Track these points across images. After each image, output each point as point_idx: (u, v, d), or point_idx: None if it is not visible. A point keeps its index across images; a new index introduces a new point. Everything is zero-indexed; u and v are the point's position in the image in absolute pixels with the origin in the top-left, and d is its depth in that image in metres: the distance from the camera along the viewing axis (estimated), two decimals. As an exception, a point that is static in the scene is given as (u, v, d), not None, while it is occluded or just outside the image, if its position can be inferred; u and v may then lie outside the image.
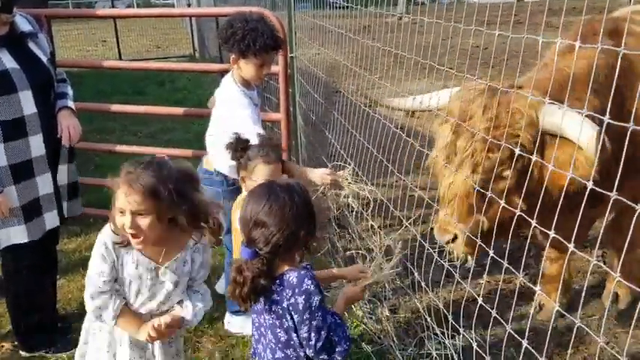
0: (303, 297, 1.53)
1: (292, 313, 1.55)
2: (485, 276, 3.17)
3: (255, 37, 2.37)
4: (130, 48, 14.16)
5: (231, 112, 2.55)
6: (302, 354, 1.62)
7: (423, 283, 2.21)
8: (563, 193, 1.70)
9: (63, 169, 2.71)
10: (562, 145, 1.91)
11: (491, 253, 1.80)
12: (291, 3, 3.74)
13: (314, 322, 1.55)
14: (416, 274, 2.34)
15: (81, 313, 3.17)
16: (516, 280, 3.22)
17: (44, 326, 2.83)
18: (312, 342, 1.57)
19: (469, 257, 2.13)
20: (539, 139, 1.87)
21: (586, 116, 1.67)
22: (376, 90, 3.03)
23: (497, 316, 1.72)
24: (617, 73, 1.36)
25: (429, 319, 2.29)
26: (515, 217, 1.73)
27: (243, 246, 1.56)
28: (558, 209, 1.58)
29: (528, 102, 1.81)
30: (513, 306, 1.88)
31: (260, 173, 2.23)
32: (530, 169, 1.83)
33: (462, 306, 1.93)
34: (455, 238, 2.07)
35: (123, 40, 13.58)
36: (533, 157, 1.75)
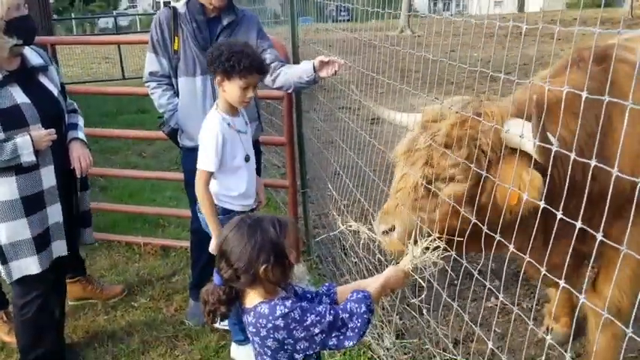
0: (280, 319, 1.53)
1: (275, 334, 1.54)
2: (494, 299, 3.16)
3: (240, 58, 2.43)
4: (134, 64, 13.89)
5: (200, 139, 2.59)
6: None
7: (434, 313, 2.19)
8: (503, 212, 1.70)
9: (79, 198, 2.82)
10: (510, 162, 1.83)
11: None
12: (294, 17, 3.72)
13: (306, 323, 1.54)
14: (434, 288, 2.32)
15: (87, 342, 3.19)
16: (524, 304, 3.20)
17: (52, 356, 2.82)
18: (316, 331, 1.54)
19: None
20: (502, 151, 1.85)
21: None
22: (380, 105, 3.02)
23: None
24: (582, 99, 1.33)
25: (434, 350, 2.26)
26: (458, 228, 1.74)
27: (216, 272, 1.63)
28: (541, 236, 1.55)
29: (497, 112, 1.86)
30: (530, 330, 1.80)
31: None
32: (482, 181, 1.81)
33: (476, 332, 1.88)
34: (393, 229, 2.01)
35: (126, 57, 13.53)
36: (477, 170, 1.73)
